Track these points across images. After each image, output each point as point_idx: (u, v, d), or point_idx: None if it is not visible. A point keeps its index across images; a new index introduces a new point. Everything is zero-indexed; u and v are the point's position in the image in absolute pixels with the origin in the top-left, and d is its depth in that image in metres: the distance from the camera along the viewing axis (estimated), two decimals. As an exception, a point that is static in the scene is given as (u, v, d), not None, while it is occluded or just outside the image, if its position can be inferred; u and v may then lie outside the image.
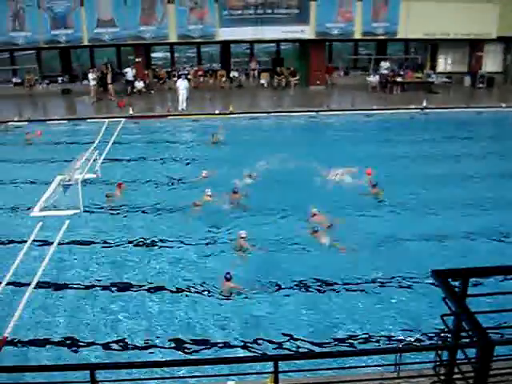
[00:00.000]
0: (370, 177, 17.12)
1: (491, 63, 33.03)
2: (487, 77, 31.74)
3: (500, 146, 21.91)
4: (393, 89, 30.59)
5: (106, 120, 25.38)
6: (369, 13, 30.36)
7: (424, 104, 27.28)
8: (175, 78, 30.26)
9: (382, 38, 31.64)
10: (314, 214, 14.39)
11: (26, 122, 25.36)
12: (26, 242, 13.76)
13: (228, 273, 11.54)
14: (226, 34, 30.15)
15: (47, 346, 9.91)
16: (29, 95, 30.59)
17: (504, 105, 27.68)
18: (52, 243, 13.69)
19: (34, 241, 13.88)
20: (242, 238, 13.47)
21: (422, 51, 34.09)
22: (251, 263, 12.73)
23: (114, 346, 9.96)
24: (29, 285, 11.79)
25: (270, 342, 9.94)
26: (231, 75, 32.50)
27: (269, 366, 5.00)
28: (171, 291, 11.72)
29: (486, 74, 31.84)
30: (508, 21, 30.42)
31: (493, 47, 32.61)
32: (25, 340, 10.05)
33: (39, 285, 11.89)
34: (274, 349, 9.75)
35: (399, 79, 30.89)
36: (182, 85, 27.09)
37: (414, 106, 27.34)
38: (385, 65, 31.98)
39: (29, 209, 15.86)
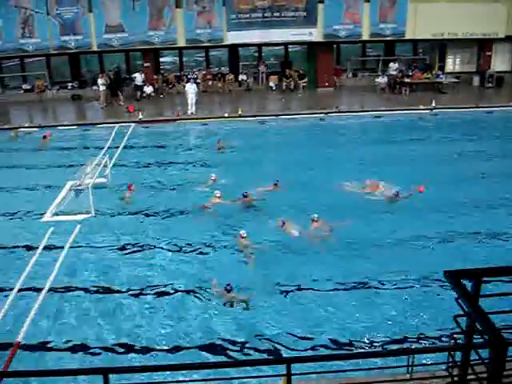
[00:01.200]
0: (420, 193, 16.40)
1: (500, 62, 32.87)
2: (496, 76, 31.60)
3: (510, 144, 21.84)
4: (401, 90, 30.52)
5: (116, 125, 25.49)
6: (376, 14, 30.32)
7: (433, 104, 27.20)
8: (184, 83, 30.33)
9: (390, 39, 31.60)
10: (314, 221, 14.26)
11: (37, 128, 25.50)
12: (38, 247, 13.85)
13: (228, 284, 11.34)
14: (233, 37, 30.22)
15: (60, 351, 9.96)
16: (39, 101, 30.78)
17: (514, 104, 27.58)
18: (64, 248, 13.77)
19: (47, 246, 13.97)
20: (243, 237, 13.65)
21: (430, 51, 34.01)
22: (260, 265, 12.78)
23: (126, 349, 10.00)
24: (41, 290, 11.86)
25: (282, 345, 9.96)
26: (240, 78, 32.55)
27: (281, 368, 5.00)
28: (183, 294, 11.77)
29: (494, 74, 31.71)
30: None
31: (501, 46, 32.47)
32: (38, 345, 10.11)
33: (52, 289, 11.96)
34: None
35: (408, 80, 30.83)
36: (190, 89, 27.19)
37: (423, 107, 27.26)
38: (393, 66, 31.94)
39: (41, 214, 15.96)
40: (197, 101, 27.33)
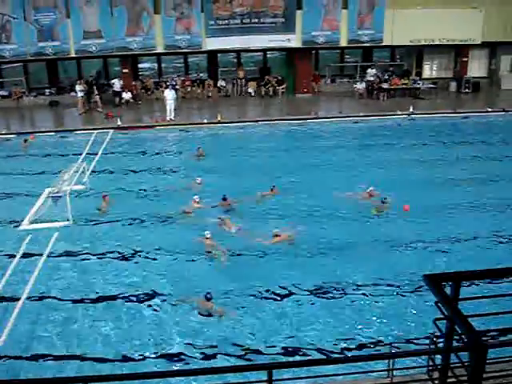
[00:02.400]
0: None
1: (476, 68, 33.31)
2: (473, 82, 32.00)
3: (487, 149, 22.10)
4: (379, 95, 30.77)
5: (94, 131, 25.30)
6: (354, 21, 30.54)
7: (411, 110, 27.45)
8: (163, 88, 30.23)
9: (368, 45, 31.85)
10: (276, 235, 13.95)
11: (14, 135, 25.23)
12: (15, 255, 13.67)
13: (208, 293, 11.22)
14: (212, 43, 30.20)
15: (39, 360, 9.83)
16: (16, 108, 30.46)
17: (490, 109, 27.93)
18: (42, 255, 13.61)
19: (24, 254, 13.79)
20: (207, 238, 13.82)
21: (407, 57, 34.34)
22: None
23: (107, 357, 9.91)
24: (19, 299, 11.71)
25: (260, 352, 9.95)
26: (219, 84, 32.55)
27: (263, 374, 4.97)
28: (161, 301, 11.70)
29: (471, 79, 32.10)
30: (492, 26, 30.75)
31: (478, 52, 32.90)
32: (16, 354, 9.96)
33: (30, 298, 11.81)
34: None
35: (385, 86, 31.08)
36: (169, 95, 27.11)
37: (400, 112, 27.49)
38: (371, 72, 32.16)
39: (18, 222, 15.76)
40: (176, 107, 27.27)
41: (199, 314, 11.13)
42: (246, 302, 11.58)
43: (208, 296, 11.15)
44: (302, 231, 14.57)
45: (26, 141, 23.41)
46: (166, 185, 18.60)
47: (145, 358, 9.90)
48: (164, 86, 31.00)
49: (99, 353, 10.04)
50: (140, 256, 13.71)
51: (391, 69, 33.26)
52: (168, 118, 26.86)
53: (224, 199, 16.32)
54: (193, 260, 13.45)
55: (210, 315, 11.07)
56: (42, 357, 9.92)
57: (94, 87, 29.76)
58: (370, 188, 16.67)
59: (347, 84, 33.17)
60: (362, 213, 15.78)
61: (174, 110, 27.08)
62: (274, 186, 17.29)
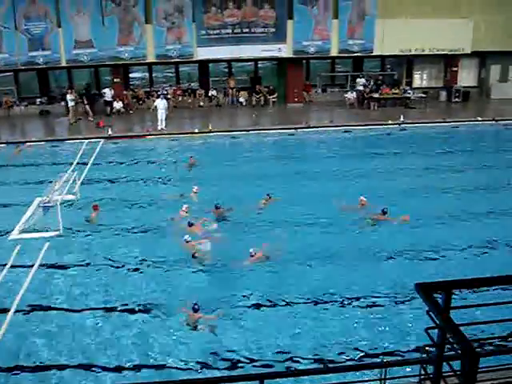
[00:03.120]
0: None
1: (466, 78, 33.56)
2: (463, 91, 32.20)
3: (477, 158, 22.22)
4: (370, 105, 30.90)
5: (85, 141, 25.24)
6: (345, 30, 30.72)
7: (401, 119, 27.57)
8: (154, 98, 30.23)
9: (359, 55, 32.02)
10: (252, 255, 13.52)
11: (4, 144, 25.14)
12: (5, 265, 13.56)
13: (195, 303, 11.13)
14: (203, 53, 30.29)
15: (29, 372, 9.75)
16: (6, 117, 30.37)
17: (480, 118, 28.09)
18: (32, 266, 13.51)
19: (13, 265, 13.68)
20: (188, 241, 14.03)
21: (397, 67, 34.54)
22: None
23: (96, 369, 9.84)
24: (9, 310, 11.61)
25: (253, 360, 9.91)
26: (210, 94, 32.60)
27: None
28: (152, 312, 11.64)
29: (461, 89, 32.30)
30: (482, 36, 31.00)
31: (467, 62, 33.14)
32: (6, 366, 9.88)
33: (19, 309, 11.71)
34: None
35: (376, 95, 31.22)
36: (160, 104, 27.11)
37: (391, 122, 27.59)
38: (360, 81, 32.31)
39: (8, 232, 15.65)
40: (167, 116, 27.27)
41: (187, 324, 11.05)
42: (234, 311, 11.52)
43: (195, 307, 11.05)
44: (292, 240, 14.60)
45: (18, 147, 23.35)
46: (156, 194, 18.53)
47: (131, 368, 9.83)
48: (156, 95, 31.00)
49: (93, 363, 9.97)
50: (130, 266, 13.63)
51: (380, 78, 33.42)
52: (159, 128, 26.83)
53: (217, 207, 16.35)
54: (181, 269, 13.40)
55: (196, 327, 10.96)
56: (30, 368, 9.84)
57: (84, 97, 29.78)
58: (361, 197, 16.61)
59: (338, 93, 33.32)
60: (355, 222, 15.74)
61: (165, 119, 27.07)
62: (268, 195, 17.31)
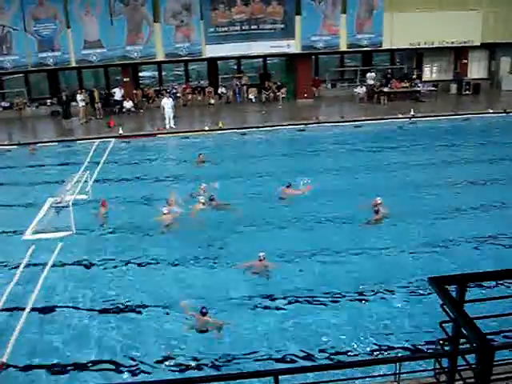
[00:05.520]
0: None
1: (476, 70, 33.38)
2: (473, 83, 32.01)
3: (489, 151, 22.09)
4: (380, 99, 30.78)
5: (96, 140, 25.36)
6: (353, 25, 30.63)
7: (412, 113, 27.44)
8: (164, 97, 30.31)
9: (368, 49, 31.91)
10: (261, 260, 13.00)
11: (16, 146, 25.31)
12: (19, 265, 13.65)
13: (204, 307, 10.89)
14: (212, 50, 30.32)
15: (44, 371, 9.81)
16: (18, 118, 30.56)
17: (491, 110, 27.92)
18: (45, 266, 13.58)
19: (28, 264, 13.77)
20: (165, 213, 15.29)
21: (407, 61, 34.37)
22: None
23: (109, 367, 9.91)
24: (24, 309, 11.69)
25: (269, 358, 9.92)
26: (219, 91, 32.61)
27: (269, 381, 4.96)
28: (167, 312, 11.66)
29: (471, 81, 32.11)
30: (491, 28, 30.82)
31: (477, 54, 32.94)
32: (21, 365, 9.95)
33: (34, 308, 11.79)
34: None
35: (386, 89, 31.09)
36: (167, 104, 27.14)
37: (401, 116, 27.48)
38: (371, 76, 32.21)
39: (21, 232, 15.74)
40: (175, 115, 27.29)
41: (195, 329, 10.84)
42: (245, 310, 11.52)
43: (203, 311, 10.82)
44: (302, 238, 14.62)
45: (32, 146, 23.96)
46: (169, 192, 18.56)
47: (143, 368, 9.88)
48: (165, 94, 31.05)
49: (106, 362, 10.03)
50: (143, 265, 13.67)
51: (389, 71, 33.28)
52: (168, 127, 26.85)
53: (211, 199, 16.66)
54: (195, 268, 13.43)
55: (206, 330, 10.82)
56: (48, 369, 9.90)
57: (95, 97, 29.95)
58: (376, 199, 15.88)
59: (347, 88, 33.24)
60: (364, 217, 15.69)
61: (174, 117, 27.10)
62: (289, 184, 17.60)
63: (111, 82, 33.81)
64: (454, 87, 32.47)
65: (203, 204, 16.41)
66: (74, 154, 24.14)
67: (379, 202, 15.71)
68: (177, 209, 16.38)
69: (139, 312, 11.66)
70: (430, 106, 29.66)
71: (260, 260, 12.91)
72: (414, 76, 32.71)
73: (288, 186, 17.56)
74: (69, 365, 9.93)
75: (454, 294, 4.81)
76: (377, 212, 15.38)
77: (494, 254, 13.40)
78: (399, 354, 9.57)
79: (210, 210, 16.39)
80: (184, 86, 33.45)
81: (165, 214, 15.71)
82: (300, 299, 11.79)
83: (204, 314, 10.84)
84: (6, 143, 25.78)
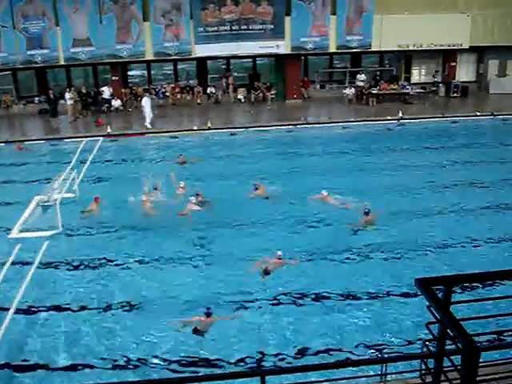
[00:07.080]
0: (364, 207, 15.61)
1: (464, 73, 33.56)
2: (461, 86, 32.18)
3: (476, 153, 22.21)
4: (369, 101, 30.87)
5: (84, 139, 25.23)
6: (343, 26, 30.68)
7: (400, 115, 27.54)
8: (152, 96, 30.23)
9: (357, 50, 31.98)
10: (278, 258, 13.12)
11: (3, 144, 25.12)
12: (4, 264, 13.55)
13: (209, 308, 10.81)
14: (201, 50, 30.26)
15: (28, 371, 9.74)
16: (5, 116, 30.33)
17: (479, 113, 28.07)
18: (32, 264, 13.49)
19: (14, 263, 13.67)
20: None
21: (396, 63, 34.48)
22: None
23: (93, 368, 9.85)
24: (9, 309, 11.60)
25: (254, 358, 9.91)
26: (208, 91, 32.56)
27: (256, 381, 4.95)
28: (155, 310, 11.63)
29: (459, 84, 32.28)
30: (480, 30, 31.00)
31: (466, 57, 33.13)
32: (4, 364, 9.88)
33: (19, 308, 11.70)
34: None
35: (375, 91, 31.19)
36: (147, 102, 27.12)
37: (390, 117, 27.57)
38: (360, 77, 32.31)
39: (7, 230, 15.63)
40: (153, 114, 27.28)
41: (194, 331, 10.65)
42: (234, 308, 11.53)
43: (209, 312, 10.72)
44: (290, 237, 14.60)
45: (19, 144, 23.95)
46: (156, 191, 18.48)
47: (134, 367, 9.84)
48: (154, 93, 30.95)
49: (95, 361, 9.98)
50: (129, 264, 13.61)
51: (378, 73, 33.39)
52: (147, 125, 26.74)
53: (197, 194, 16.76)
54: (185, 265, 13.40)
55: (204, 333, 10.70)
56: (29, 367, 9.83)
57: (83, 95, 29.83)
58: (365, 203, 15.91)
59: (336, 89, 33.28)
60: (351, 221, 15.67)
61: (152, 117, 27.08)
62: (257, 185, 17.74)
63: (100, 80, 33.67)
64: (442, 90, 32.52)
65: (195, 204, 16.38)
66: (61, 153, 23.99)
67: (325, 194, 16.52)
68: (160, 196, 17.22)
69: (128, 310, 11.62)
70: (419, 108, 29.74)
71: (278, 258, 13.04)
72: (403, 78, 32.83)
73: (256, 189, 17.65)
74: (52, 366, 9.87)
75: (440, 295, 4.83)
76: (366, 214, 15.31)
77: (479, 254, 13.51)
78: (385, 355, 9.59)
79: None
80: (173, 85, 33.35)
81: (144, 200, 16.56)
82: (287, 297, 11.81)
83: (209, 315, 10.71)
84: (-8, 141, 25.60)
